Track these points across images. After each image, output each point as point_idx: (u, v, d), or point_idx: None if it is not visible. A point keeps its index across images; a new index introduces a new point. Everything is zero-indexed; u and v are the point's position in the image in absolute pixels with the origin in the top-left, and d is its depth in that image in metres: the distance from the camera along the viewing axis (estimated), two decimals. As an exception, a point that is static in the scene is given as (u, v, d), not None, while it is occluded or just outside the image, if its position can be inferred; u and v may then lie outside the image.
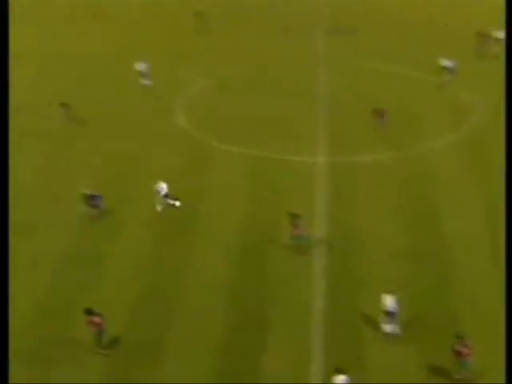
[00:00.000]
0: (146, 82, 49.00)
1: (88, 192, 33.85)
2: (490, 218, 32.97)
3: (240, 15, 65.89)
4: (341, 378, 22.80)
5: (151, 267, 30.31)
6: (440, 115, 44.17)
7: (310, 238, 31.04)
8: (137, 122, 44.35)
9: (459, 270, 29.49)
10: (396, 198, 35.08)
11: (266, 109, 45.53)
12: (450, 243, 31.26)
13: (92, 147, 41.09)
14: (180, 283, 29.18)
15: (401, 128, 42.30)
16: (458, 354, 23.55)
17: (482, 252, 30.62)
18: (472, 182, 36.23)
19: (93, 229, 33.00)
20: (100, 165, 39.04)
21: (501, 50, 50.06)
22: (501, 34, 50.31)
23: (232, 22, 63.66)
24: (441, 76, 47.71)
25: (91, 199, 33.66)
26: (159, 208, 34.28)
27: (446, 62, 47.67)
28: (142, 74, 49.20)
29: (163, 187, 34.50)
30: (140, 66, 49.46)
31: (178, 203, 34.69)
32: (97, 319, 25.08)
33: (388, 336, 25.72)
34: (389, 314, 25.67)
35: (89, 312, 25.21)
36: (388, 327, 25.82)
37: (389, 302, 25.71)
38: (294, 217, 30.72)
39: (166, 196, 34.61)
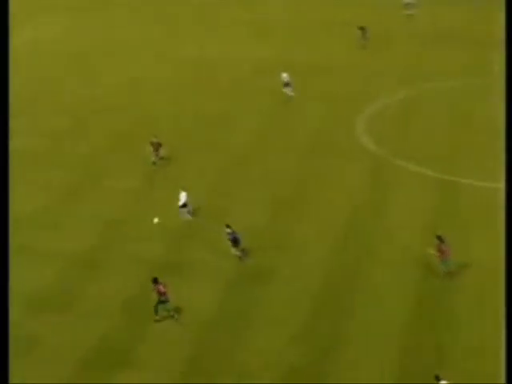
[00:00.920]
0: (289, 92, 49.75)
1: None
2: None
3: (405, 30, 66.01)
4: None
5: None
6: None
7: (450, 262, 30.78)
8: (316, 134, 45.81)
9: None
10: None
11: (444, 130, 45.89)
12: None
13: (271, 166, 42.15)
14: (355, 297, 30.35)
15: None
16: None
17: None
18: None
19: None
20: (285, 179, 40.54)
21: None
22: None
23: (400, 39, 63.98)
24: None
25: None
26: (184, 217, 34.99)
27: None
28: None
29: (183, 196, 34.94)
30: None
31: (190, 217, 35.01)
32: (161, 288, 27.52)
33: None
34: None
35: (155, 281, 27.72)
36: None
37: None
38: (440, 240, 30.68)
39: (184, 206, 34.89)
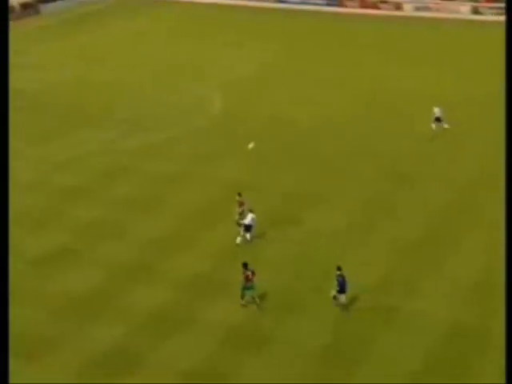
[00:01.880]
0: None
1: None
2: None
3: None
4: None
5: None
6: None
7: None
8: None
9: None
10: None
11: None
12: None
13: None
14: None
15: None
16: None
17: None
18: None
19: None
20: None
21: None
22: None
23: None
24: None
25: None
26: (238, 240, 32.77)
27: None
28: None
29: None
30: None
31: (247, 236, 32.77)
32: (248, 274, 28.06)
33: None
34: None
35: (245, 266, 28.32)
36: None
37: None
38: None
39: (247, 227, 32.70)
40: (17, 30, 75.03)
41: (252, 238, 32.94)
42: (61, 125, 47.64)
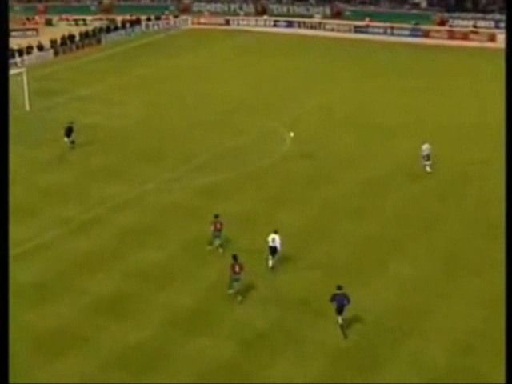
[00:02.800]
0: None
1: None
2: None
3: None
4: None
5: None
6: None
7: None
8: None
9: None
10: None
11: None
12: None
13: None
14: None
15: None
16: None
17: None
18: None
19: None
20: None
21: None
22: None
23: None
24: None
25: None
26: None
27: None
28: None
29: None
30: None
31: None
32: (236, 266, 32.03)
33: None
34: None
35: (234, 258, 32.28)
36: None
37: None
38: None
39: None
40: (77, 60, 78.05)
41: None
42: (122, 161, 48.87)
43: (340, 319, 29.65)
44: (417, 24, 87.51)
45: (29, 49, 78.75)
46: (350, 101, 61.47)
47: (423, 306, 32.02)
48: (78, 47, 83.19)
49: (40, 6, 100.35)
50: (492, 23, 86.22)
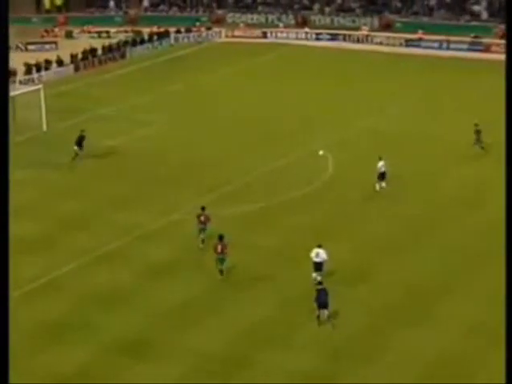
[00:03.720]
0: None
1: None
2: None
3: None
4: None
5: None
6: None
7: None
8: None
9: None
10: None
11: None
12: None
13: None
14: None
15: None
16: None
17: None
18: None
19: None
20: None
21: None
22: None
23: None
24: None
25: None
26: None
27: None
28: None
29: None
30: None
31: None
32: (219, 247, 37.00)
33: None
34: None
35: (220, 238, 37.18)
36: None
37: None
38: None
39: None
40: (100, 76, 78.90)
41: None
42: (147, 187, 49.16)
43: (324, 313, 32.69)
44: (476, 37, 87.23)
45: (47, 64, 79.61)
46: (404, 122, 61.59)
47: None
48: (100, 62, 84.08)
49: (60, 17, 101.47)
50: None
